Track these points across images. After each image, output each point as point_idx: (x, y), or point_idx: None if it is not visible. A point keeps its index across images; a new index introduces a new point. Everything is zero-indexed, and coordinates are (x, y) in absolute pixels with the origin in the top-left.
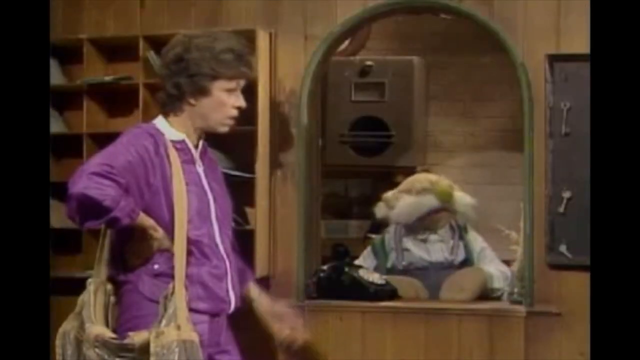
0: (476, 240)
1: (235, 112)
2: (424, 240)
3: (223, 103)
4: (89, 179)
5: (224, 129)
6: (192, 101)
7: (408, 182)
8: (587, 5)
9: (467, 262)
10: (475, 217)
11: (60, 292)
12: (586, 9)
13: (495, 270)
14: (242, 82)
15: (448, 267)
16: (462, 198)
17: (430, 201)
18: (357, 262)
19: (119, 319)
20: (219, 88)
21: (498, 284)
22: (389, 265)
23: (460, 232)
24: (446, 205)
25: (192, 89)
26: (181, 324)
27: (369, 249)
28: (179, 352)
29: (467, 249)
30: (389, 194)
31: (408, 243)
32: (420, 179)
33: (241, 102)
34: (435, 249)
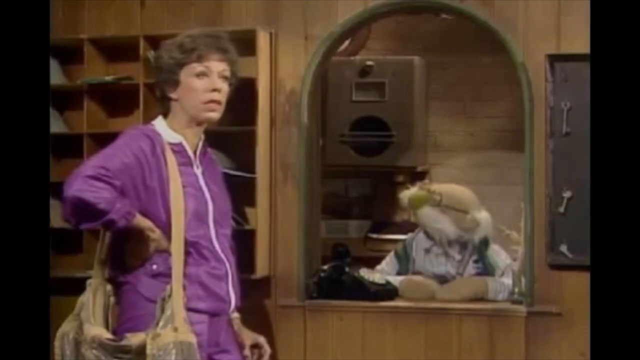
0: (499, 257)
1: (212, 96)
2: (427, 251)
3: (193, 88)
4: (83, 181)
5: (210, 116)
6: (173, 96)
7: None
8: (587, 5)
9: None
10: (443, 241)
11: (60, 292)
12: (586, 9)
13: (508, 284)
14: (216, 66)
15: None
16: (430, 217)
17: (404, 202)
18: (378, 268)
19: (118, 320)
20: (186, 74)
21: (501, 296)
22: (412, 270)
23: (474, 248)
24: (410, 211)
25: (166, 83)
26: (178, 325)
27: (391, 254)
28: (175, 354)
29: (488, 266)
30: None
31: (416, 252)
32: (442, 188)
33: (216, 84)
34: (438, 261)
